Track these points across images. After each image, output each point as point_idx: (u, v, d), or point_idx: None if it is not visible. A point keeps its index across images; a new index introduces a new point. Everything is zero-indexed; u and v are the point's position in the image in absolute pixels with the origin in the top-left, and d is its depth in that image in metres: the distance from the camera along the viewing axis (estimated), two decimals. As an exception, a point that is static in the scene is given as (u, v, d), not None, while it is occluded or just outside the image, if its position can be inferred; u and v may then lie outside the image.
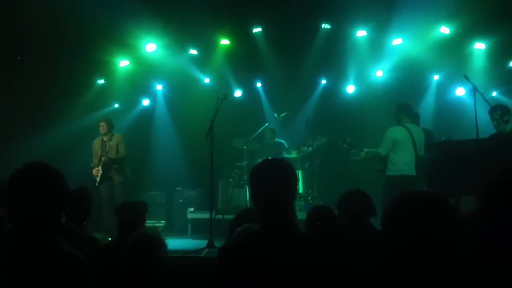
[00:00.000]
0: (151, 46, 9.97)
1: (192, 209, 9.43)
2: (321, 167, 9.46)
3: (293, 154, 9.42)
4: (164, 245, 3.05)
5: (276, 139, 9.88)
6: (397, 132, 6.98)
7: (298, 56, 10.07)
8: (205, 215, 8.21)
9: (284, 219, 2.31)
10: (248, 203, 9.04)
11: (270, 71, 10.50)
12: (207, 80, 10.92)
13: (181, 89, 10.99)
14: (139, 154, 10.10)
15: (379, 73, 10.36)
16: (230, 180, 9.58)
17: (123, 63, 10.52)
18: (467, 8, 8.28)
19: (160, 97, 11.34)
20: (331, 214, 3.61)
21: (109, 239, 6.85)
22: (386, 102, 9.33)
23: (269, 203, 2.33)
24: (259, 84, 11.15)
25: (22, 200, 2.16)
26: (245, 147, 9.44)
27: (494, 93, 9.93)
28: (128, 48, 10.04)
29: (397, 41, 9.65)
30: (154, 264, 2.92)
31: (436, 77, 10.39)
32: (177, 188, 10.25)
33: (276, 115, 10.01)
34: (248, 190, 9.02)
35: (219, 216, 8.22)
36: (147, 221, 9.01)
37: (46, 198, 2.17)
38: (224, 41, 10.11)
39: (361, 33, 9.71)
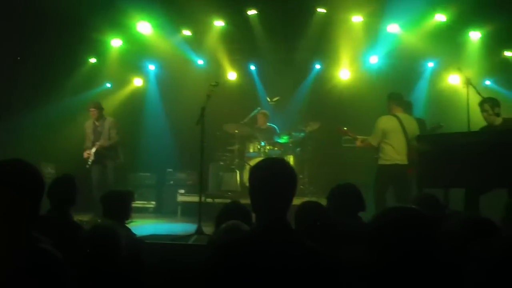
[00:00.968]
0: (144, 26, 9.85)
1: (183, 191, 9.44)
2: (313, 153, 9.46)
3: (285, 139, 9.41)
4: (119, 236, 2.91)
5: (268, 124, 9.85)
6: (386, 122, 7.02)
7: (293, 40, 9.99)
8: (195, 198, 8.22)
9: (282, 220, 2.30)
10: (239, 187, 9.07)
11: (264, 55, 10.41)
12: (200, 62, 10.83)
13: (174, 70, 10.90)
14: (130, 135, 10.05)
15: (374, 59, 10.30)
16: (221, 163, 9.58)
17: (116, 42, 10.40)
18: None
19: (152, 77, 11.26)
20: (322, 211, 3.60)
21: (98, 221, 6.83)
22: (379, 88, 9.30)
23: (267, 203, 2.33)
24: (252, 67, 11.06)
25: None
26: (236, 131, 9.41)
27: (488, 82, 9.91)
28: (120, 27, 9.91)
29: (392, 28, 9.59)
30: (110, 256, 2.83)
31: (430, 64, 10.35)
32: (168, 170, 10.24)
33: (268, 99, 9.97)
34: (239, 176, 9.05)
35: (209, 200, 8.23)
36: (137, 202, 9.10)
37: (20, 195, 2.10)
38: (218, 23, 10.00)
39: (356, 18, 9.63)
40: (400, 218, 1.90)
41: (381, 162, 7.02)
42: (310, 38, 9.78)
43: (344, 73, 10.58)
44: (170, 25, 9.88)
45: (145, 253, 3.73)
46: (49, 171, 8.86)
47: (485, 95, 6.25)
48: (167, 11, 9.41)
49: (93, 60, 10.73)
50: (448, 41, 9.49)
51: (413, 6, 8.78)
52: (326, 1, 9.36)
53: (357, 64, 10.52)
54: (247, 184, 8.45)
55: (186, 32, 10.22)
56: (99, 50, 10.49)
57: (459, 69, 6.30)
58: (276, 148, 9.30)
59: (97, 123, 8.55)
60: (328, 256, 2.25)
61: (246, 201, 8.36)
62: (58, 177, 4.31)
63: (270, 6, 9.54)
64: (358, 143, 7.43)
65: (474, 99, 6.25)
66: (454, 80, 9.64)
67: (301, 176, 9.23)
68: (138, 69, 11.16)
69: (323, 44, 10.03)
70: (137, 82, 11.23)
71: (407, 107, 7.49)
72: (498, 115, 5.97)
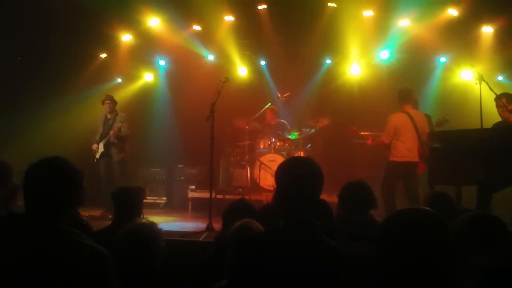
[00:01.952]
0: (154, 21, 9.86)
1: (193, 187, 9.44)
2: (323, 149, 9.42)
3: (295, 135, 9.38)
4: (160, 237, 2.90)
5: (279, 119, 9.83)
6: (398, 119, 7.04)
7: (303, 35, 9.90)
8: (205, 194, 8.22)
9: (306, 219, 2.33)
10: (249, 183, 9.06)
11: (274, 50, 10.37)
12: (210, 57, 10.81)
13: (184, 65, 10.87)
14: (141, 130, 10.05)
15: (385, 54, 10.21)
16: (232, 159, 9.57)
17: (126, 38, 10.42)
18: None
19: (162, 72, 11.24)
20: (329, 209, 3.58)
21: (110, 216, 6.87)
22: (390, 83, 9.26)
23: (291, 202, 2.35)
24: (263, 63, 11.02)
25: (38, 193, 2.20)
26: (246, 127, 9.40)
27: (500, 77, 9.81)
28: (131, 22, 9.93)
29: (403, 22, 9.52)
30: (150, 258, 2.79)
31: (442, 59, 10.25)
32: (179, 166, 10.25)
33: (279, 95, 9.94)
34: (250, 172, 9.05)
35: (220, 196, 8.24)
36: (147, 198, 9.12)
37: (61, 192, 2.21)
38: (228, 18, 9.97)
39: (367, 12, 9.56)
40: (413, 221, 1.88)
41: (392, 158, 7.03)
42: (320, 32, 9.72)
43: (355, 68, 10.49)
44: (180, 20, 9.87)
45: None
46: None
47: (498, 91, 6.18)
48: (177, 6, 9.41)
49: (104, 55, 10.74)
50: (460, 36, 9.40)
51: (425, 0, 8.71)
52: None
53: (367, 59, 10.42)
54: (257, 180, 8.45)
55: (196, 27, 10.21)
56: (110, 45, 10.50)
57: (471, 65, 6.23)
58: (286, 144, 9.29)
59: (109, 116, 8.58)
60: (348, 255, 2.27)
61: (256, 197, 8.39)
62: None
63: (280, 1, 9.50)
64: (369, 142, 7.45)
65: (487, 95, 6.18)
66: (466, 75, 9.54)
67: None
68: (149, 64, 11.14)
69: (333, 39, 9.93)
70: (148, 77, 11.23)
71: (414, 104, 7.47)
72: (512, 111, 5.90)
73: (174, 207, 9.78)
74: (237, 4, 9.68)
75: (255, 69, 10.98)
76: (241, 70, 10.77)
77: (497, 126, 5.96)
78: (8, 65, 9.54)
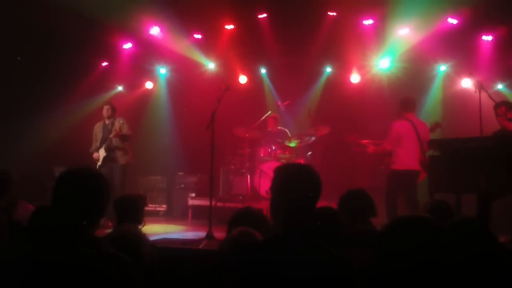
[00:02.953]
0: (155, 29, 9.90)
1: (193, 195, 9.44)
2: (323, 157, 9.42)
3: (295, 143, 9.38)
4: (144, 243, 2.87)
5: (279, 127, 9.84)
6: (401, 126, 7.02)
7: (303, 43, 9.95)
8: (206, 202, 8.20)
9: (304, 226, 2.32)
10: (249, 191, 9.06)
11: (275, 58, 10.40)
12: (211, 65, 10.84)
13: (184, 73, 10.91)
14: (141, 137, 10.07)
15: (385, 63, 10.24)
16: (232, 167, 9.57)
17: (127, 46, 10.45)
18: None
19: (163, 80, 11.27)
20: (333, 214, 3.56)
21: (110, 224, 6.86)
22: (390, 92, 9.27)
23: (287, 209, 2.35)
24: (263, 71, 11.04)
25: (68, 203, 2.22)
26: (247, 135, 9.41)
27: (500, 86, 9.82)
28: (131, 30, 9.97)
29: (403, 31, 9.55)
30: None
31: (442, 68, 10.27)
32: (179, 173, 10.25)
33: (279, 103, 9.96)
34: (250, 180, 9.04)
35: (220, 204, 8.23)
36: (148, 206, 9.11)
37: (91, 202, 2.24)
38: (229, 26, 10.01)
39: (367, 21, 9.60)
40: (413, 228, 1.89)
41: (395, 167, 7.02)
42: (320, 41, 9.76)
43: (355, 76, 10.52)
44: (181, 29, 9.91)
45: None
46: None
47: (497, 100, 6.20)
48: (178, 15, 9.44)
49: (105, 63, 10.77)
50: (460, 45, 9.42)
51: (425, 9, 8.74)
52: (336, 5, 9.34)
53: (368, 68, 10.45)
54: (258, 188, 8.42)
55: (197, 36, 10.26)
56: (111, 53, 10.54)
57: (471, 74, 6.26)
58: (286, 152, 9.29)
59: (107, 122, 8.57)
60: (350, 263, 2.26)
61: (256, 205, 8.37)
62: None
63: (281, 10, 9.54)
64: (370, 150, 7.43)
65: (487, 104, 6.20)
66: (466, 84, 9.56)
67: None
68: (150, 72, 11.17)
69: (333, 48, 9.97)
70: (149, 85, 11.25)
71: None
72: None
73: (174, 215, 9.78)
74: (238, 13, 9.72)
75: (256, 78, 11.01)
76: (242, 79, 10.81)
77: (497, 134, 5.97)
78: (10, 74, 9.55)
